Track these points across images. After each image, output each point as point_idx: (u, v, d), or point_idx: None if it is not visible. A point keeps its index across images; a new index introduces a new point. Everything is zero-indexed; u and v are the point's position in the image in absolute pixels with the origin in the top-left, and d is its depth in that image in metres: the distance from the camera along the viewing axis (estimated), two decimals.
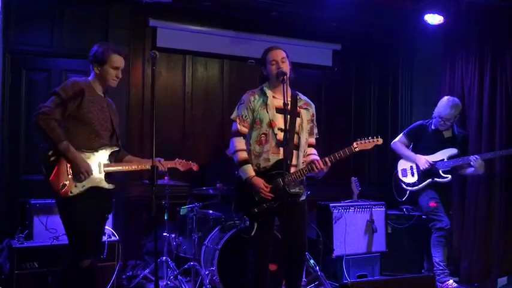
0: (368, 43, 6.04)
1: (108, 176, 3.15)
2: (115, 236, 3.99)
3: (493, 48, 4.74)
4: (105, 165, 3.14)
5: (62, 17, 4.66)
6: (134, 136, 5.05)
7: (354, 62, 6.12)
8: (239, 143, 3.31)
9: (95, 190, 3.09)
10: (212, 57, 5.43)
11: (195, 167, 3.59)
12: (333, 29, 5.68)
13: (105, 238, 3.87)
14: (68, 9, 4.67)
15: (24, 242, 3.77)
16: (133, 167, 3.25)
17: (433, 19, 4.92)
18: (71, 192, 3.00)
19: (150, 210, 2.84)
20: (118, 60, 3.18)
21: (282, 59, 3.31)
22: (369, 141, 3.32)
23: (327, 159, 3.25)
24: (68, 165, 2.99)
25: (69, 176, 3.00)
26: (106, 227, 3.93)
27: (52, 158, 2.98)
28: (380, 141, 3.35)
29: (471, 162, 4.36)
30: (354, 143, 3.30)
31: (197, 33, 5.24)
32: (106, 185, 3.14)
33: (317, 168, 3.23)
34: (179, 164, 3.50)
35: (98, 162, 3.11)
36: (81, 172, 3.00)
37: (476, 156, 4.36)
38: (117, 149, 3.24)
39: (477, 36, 4.90)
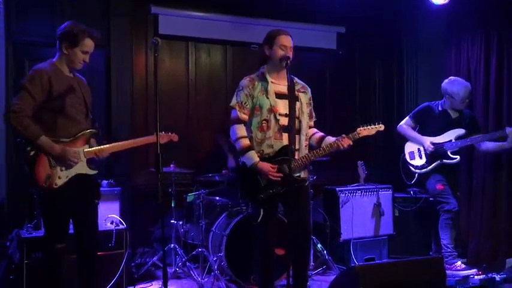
0: (372, 25, 5.96)
1: (91, 161, 3.13)
2: (123, 225, 4.00)
3: (499, 29, 4.67)
4: (86, 151, 3.11)
5: (63, 6, 4.63)
6: (139, 124, 5.05)
7: (359, 44, 6.06)
8: (240, 130, 3.29)
9: (79, 177, 3.07)
10: (215, 43, 5.40)
11: (175, 138, 3.54)
12: (337, 12, 5.61)
13: (112, 227, 3.89)
14: None
15: (32, 232, 3.78)
16: (113, 148, 3.20)
17: None
18: (56, 184, 2.99)
19: (156, 197, 2.83)
20: (89, 45, 3.09)
21: (290, 47, 3.30)
22: (372, 128, 3.38)
23: (349, 141, 3.28)
24: (49, 157, 2.97)
25: (52, 168, 2.98)
26: (113, 215, 3.98)
27: (32, 153, 2.95)
28: (382, 127, 3.41)
29: (506, 132, 4.26)
30: (358, 129, 3.35)
31: (199, 19, 5.20)
32: (89, 171, 3.12)
33: (343, 146, 3.25)
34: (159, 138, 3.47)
35: (78, 149, 3.08)
36: (68, 161, 2.99)
37: (509, 128, 4.29)
38: (95, 131, 3.19)
39: (483, 17, 4.83)
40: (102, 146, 3.18)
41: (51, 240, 3.06)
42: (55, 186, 2.98)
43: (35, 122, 2.95)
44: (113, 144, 3.23)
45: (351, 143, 3.30)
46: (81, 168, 3.09)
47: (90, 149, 3.14)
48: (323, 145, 3.34)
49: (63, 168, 3.01)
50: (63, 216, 3.07)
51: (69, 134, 3.05)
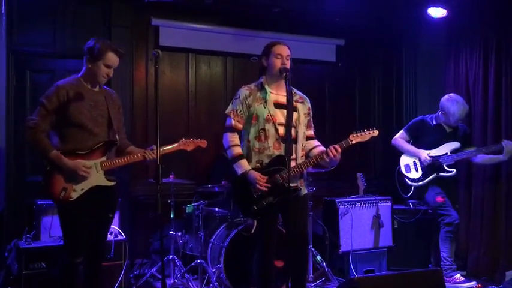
0: (371, 37, 6.01)
1: (108, 172, 3.14)
2: (122, 235, 4.00)
3: (497, 41, 4.71)
4: (103, 163, 3.12)
5: (64, 17, 4.67)
6: (139, 135, 5.06)
7: (358, 56, 6.10)
8: (233, 138, 3.30)
9: (96, 190, 3.09)
10: (215, 55, 5.43)
11: (203, 144, 3.50)
12: (336, 24, 5.66)
13: (111, 237, 3.88)
14: (70, 9, 4.69)
15: (31, 242, 3.79)
16: (128, 160, 3.18)
17: (437, 12, 4.90)
18: (71, 198, 3.01)
19: (156, 208, 2.84)
20: (113, 59, 3.13)
21: (287, 56, 3.30)
22: (365, 134, 3.29)
23: (337, 146, 3.21)
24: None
25: (67, 182, 3.01)
26: (112, 226, 3.96)
27: (48, 168, 3.01)
28: (376, 133, 3.32)
29: (503, 145, 4.26)
30: (350, 136, 3.27)
31: (200, 31, 5.24)
32: (107, 183, 3.13)
33: (329, 157, 3.19)
34: (185, 145, 3.42)
35: (95, 161, 3.10)
36: (79, 174, 3.01)
37: (507, 141, 4.29)
38: (112, 143, 3.19)
39: (481, 29, 4.87)
40: (113, 160, 3.15)
41: (69, 253, 3.06)
42: (70, 199, 3.01)
43: (53, 137, 3.04)
44: (119, 159, 3.18)
45: (339, 152, 3.21)
46: (98, 180, 3.10)
47: (107, 161, 3.13)
48: (312, 156, 3.30)
49: (79, 182, 3.04)
50: (81, 229, 3.07)
51: (86, 146, 3.08)
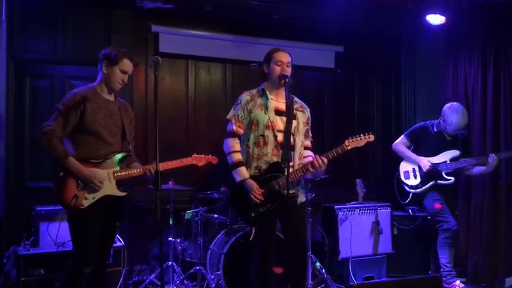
0: (370, 44, 6.03)
1: (120, 183, 3.15)
2: (120, 242, 3.99)
3: (496, 47, 4.74)
4: (115, 173, 3.12)
5: (65, 24, 4.67)
6: (138, 141, 5.03)
7: (357, 63, 6.12)
8: (233, 144, 3.30)
9: (107, 199, 3.09)
10: (215, 61, 5.45)
11: (214, 160, 3.53)
12: (335, 31, 5.68)
13: None
14: (70, 16, 4.69)
15: (30, 248, 3.77)
16: (141, 172, 3.19)
17: (435, 19, 4.92)
18: (82, 205, 3.01)
19: (155, 215, 2.84)
20: (128, 65, 3.16)
21: (287, 63, 3.31)
22: (361, 139, 3.28)
23: (323, 157, 3.22)
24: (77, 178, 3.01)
25: (79, 189, 3.01)
26: None
27: (61, 174, 3.00)
28: (372, 137, 3.30)
29: (489, 160, 4.30)
30: (346, 141, 3.26)
31: (199, 38, 5.26)
32: (118, 193, 3.14)
33: (315, 167, 3.20)
34: (196, 160, 3.45)
35: (108, 170, 3.10)
36: (92, 183, 3.01)
37: (493, 155, 4.31)
38: (126, 154, 3.20)
39: (479, 36, 4.90)
40: (126, 171, 3.17)
41: (78, 260, 3.05)
42: (81, 207, 3.01)
43: (66, 143, 3.04)
44: (132, 169, 3.20)
45: (325, 163, 3.21)
46: (110, 189, 3.11)
47: (119, 171, 3.13)
48: (303, 165, 3.29)
49: (91, 190, 3.04)
50: (91, 236, 3.06)
51: (100, 155, 3.09)
